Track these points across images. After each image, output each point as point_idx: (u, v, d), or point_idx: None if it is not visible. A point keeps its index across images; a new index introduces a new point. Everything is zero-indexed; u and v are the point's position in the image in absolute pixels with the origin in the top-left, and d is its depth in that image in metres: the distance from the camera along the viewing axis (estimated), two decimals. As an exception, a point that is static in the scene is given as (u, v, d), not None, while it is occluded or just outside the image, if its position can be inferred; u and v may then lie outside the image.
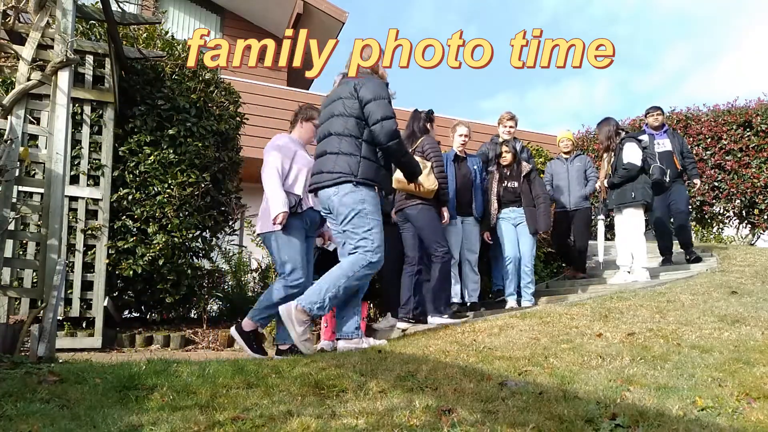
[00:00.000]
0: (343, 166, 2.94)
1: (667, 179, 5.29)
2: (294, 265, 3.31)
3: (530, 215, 4.97)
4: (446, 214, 4.38)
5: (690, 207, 6.61)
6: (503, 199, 5.05)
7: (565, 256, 6.22)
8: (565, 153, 6.08)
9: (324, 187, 3.02)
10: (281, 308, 2.97)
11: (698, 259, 5.65)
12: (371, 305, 5.03)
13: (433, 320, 4.08)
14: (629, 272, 5.09)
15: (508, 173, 5.11)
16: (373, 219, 2.97)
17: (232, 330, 3.38)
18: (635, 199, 4.92)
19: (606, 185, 5.22)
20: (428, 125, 4.50)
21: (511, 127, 5.38)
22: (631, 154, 4.95)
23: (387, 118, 2.93)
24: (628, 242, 5.04)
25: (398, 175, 4.01)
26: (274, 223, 3.27)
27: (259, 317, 3.36)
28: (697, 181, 6.09)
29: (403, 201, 4.30)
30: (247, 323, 3.32)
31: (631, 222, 4.97)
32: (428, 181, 4.14)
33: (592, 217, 6.36)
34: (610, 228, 6.72)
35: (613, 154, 5.12)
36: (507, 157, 5.10)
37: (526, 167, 5.17)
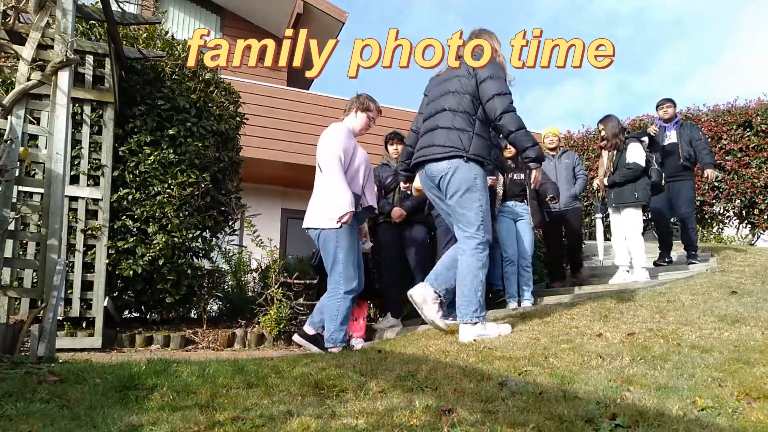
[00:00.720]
0: (455, 141, 2.93)
1: (663, 182, 5.27)
2: (354, 265, 3.32)
3: (534, 208, 4.97)
4: None
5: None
6: (509, 191, 5.00)
7: (562, 259, 6.11)
8: (550, 149, 5.90)
9: (434, 160, 3.00)
10: (462, 338, 2.94)
11: (694, 262, 5.60)
12: (371, 305, 5.03)
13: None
14: (628, 271, 5.08)
15: (514, 165, 5.07)
16: (482, 196, 2.99)
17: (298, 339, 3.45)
18: (638, 199, 4.91)
19: (606, 183, 5.19)
20: None
21: None
22: (636, 154, 4.95)
23: (502, 94, 2.92)
24: (626, 242, 5.03)
25: (417, 183, 4.07)
26: (339, 221, 3.22)
27: (342, 338, 3.36)
28: (709, 171, 5.63)
29: None
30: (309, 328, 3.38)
31: (631, 222, 4.97)
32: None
33: (593, 217, 6.29)
34: (609, 228, 6.68)
35: (616, 152, 5.10)
36: (512, 149, 5.02)
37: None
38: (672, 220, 6.02)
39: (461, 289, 2.99)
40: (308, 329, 3.50)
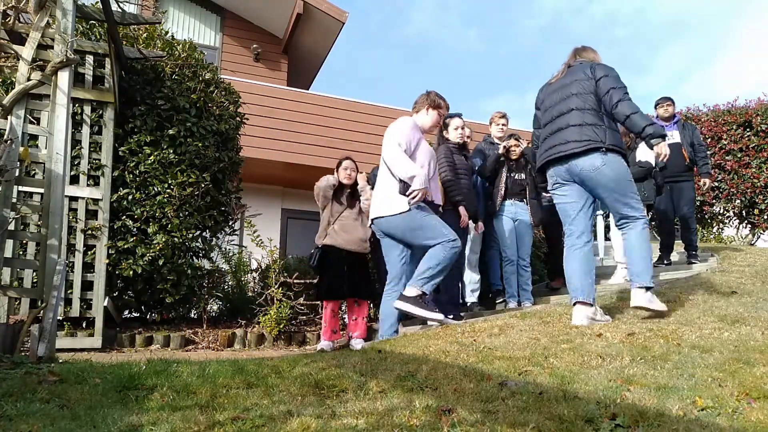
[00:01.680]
0: (591, 134, 3.10)
1: (662, 183, 5.24)
2: (445, 235, 3.40)
3: (534, 207, 4.97)
4: (464, 216, 4.35)
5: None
6: (510, 190, 5.00)
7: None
8: None
9: (571, 155, 3.14)
10: (635, 302, 3.09)
11: (694, 262, 5.59)
12: (371, 305, 5.02)
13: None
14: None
15: (515, 165, 5.08)
16: (632, 181, 3.19)
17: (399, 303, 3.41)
18: (646, 198, 4.89)
19: None
20: (444, 132, 4.60)
21: (503, 125, 5.37)
22: (647, 153, 4.93)
23: (617, 87, 3.12)
24: None
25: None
26: (411, 200, 3.31)
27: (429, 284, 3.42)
28: (706, 180, 5.75)
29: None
30: (411, 290, 3.39)
31: None
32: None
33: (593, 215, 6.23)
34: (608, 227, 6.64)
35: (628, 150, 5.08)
36: (517, 151, 5.04)
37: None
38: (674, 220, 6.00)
39: (636, 258, 3.14)
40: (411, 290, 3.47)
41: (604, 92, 3.12)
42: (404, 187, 3.38)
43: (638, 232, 3.15)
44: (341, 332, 4.31)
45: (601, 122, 3.12)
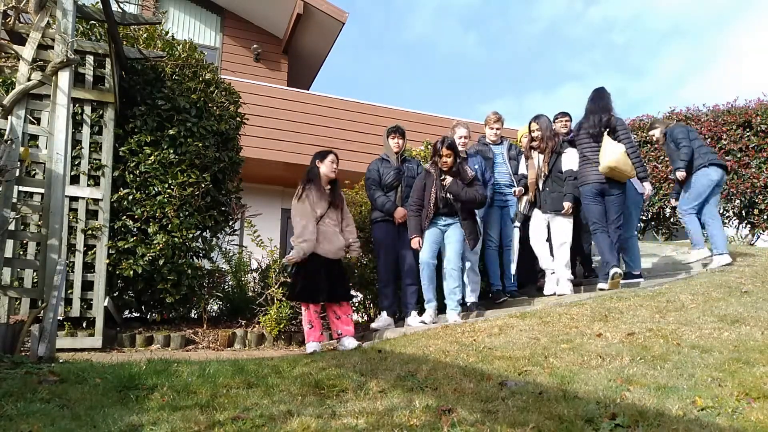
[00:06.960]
0: None
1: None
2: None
3: (467, 228, 4.32)
4: (648, 189, 4.69)
5: None
6: (441, 209, 4.32)
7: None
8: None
9: None
10: None
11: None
12: (371, 305, 5.02)
13: (602, 286, 4.44)
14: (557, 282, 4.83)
15: (447, 178, 4.30)
16: None
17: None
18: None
19: (542, 188, 4.82)
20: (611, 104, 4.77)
21: (498, 128, 5.28)
22: (574, 160, 4.81)
23: None
24: (562, 248, 4.82)
25: (610, 161, 4.42)
26: None
27: None
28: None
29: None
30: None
31: (566, 229, 4.78)
32: (627, 164, 4.47)
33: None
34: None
35: (552, 154, 4.84)
36: (447, 161, 4.25)
37: (470, 173, 4.39)
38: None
39: None
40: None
41: None
42: None
43: None
44: (324, 334, 4.25)
45: None
